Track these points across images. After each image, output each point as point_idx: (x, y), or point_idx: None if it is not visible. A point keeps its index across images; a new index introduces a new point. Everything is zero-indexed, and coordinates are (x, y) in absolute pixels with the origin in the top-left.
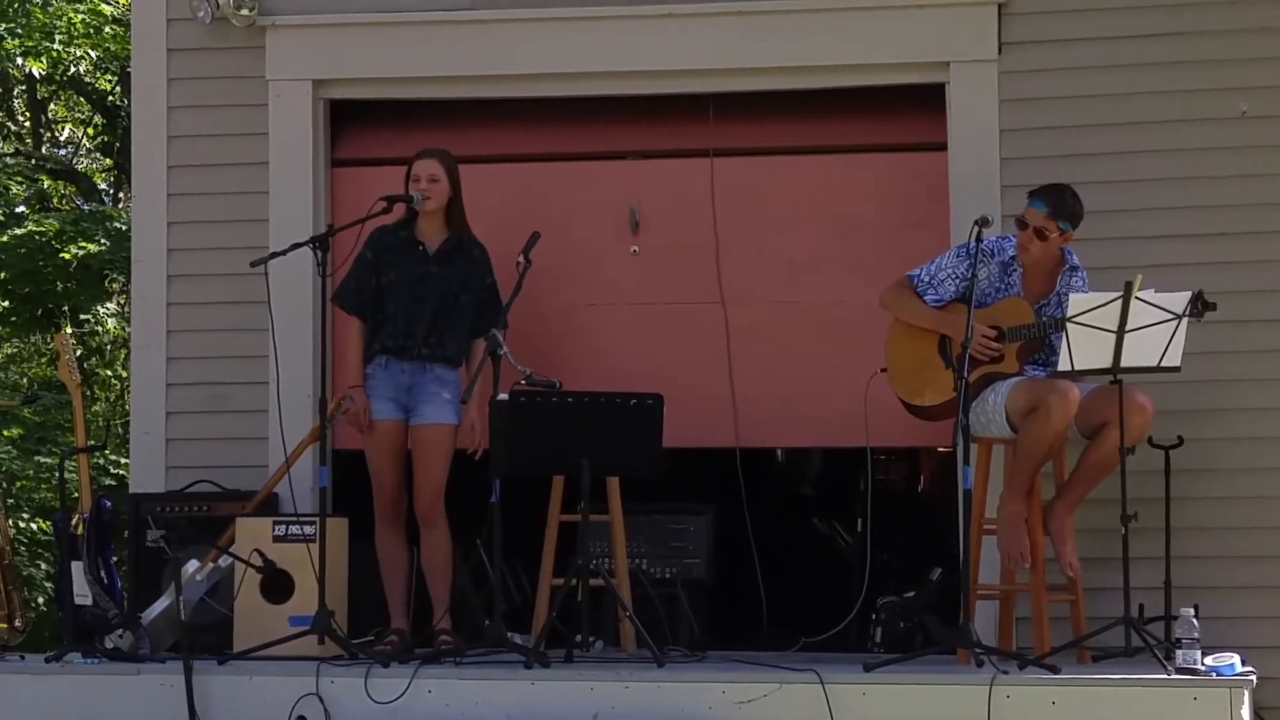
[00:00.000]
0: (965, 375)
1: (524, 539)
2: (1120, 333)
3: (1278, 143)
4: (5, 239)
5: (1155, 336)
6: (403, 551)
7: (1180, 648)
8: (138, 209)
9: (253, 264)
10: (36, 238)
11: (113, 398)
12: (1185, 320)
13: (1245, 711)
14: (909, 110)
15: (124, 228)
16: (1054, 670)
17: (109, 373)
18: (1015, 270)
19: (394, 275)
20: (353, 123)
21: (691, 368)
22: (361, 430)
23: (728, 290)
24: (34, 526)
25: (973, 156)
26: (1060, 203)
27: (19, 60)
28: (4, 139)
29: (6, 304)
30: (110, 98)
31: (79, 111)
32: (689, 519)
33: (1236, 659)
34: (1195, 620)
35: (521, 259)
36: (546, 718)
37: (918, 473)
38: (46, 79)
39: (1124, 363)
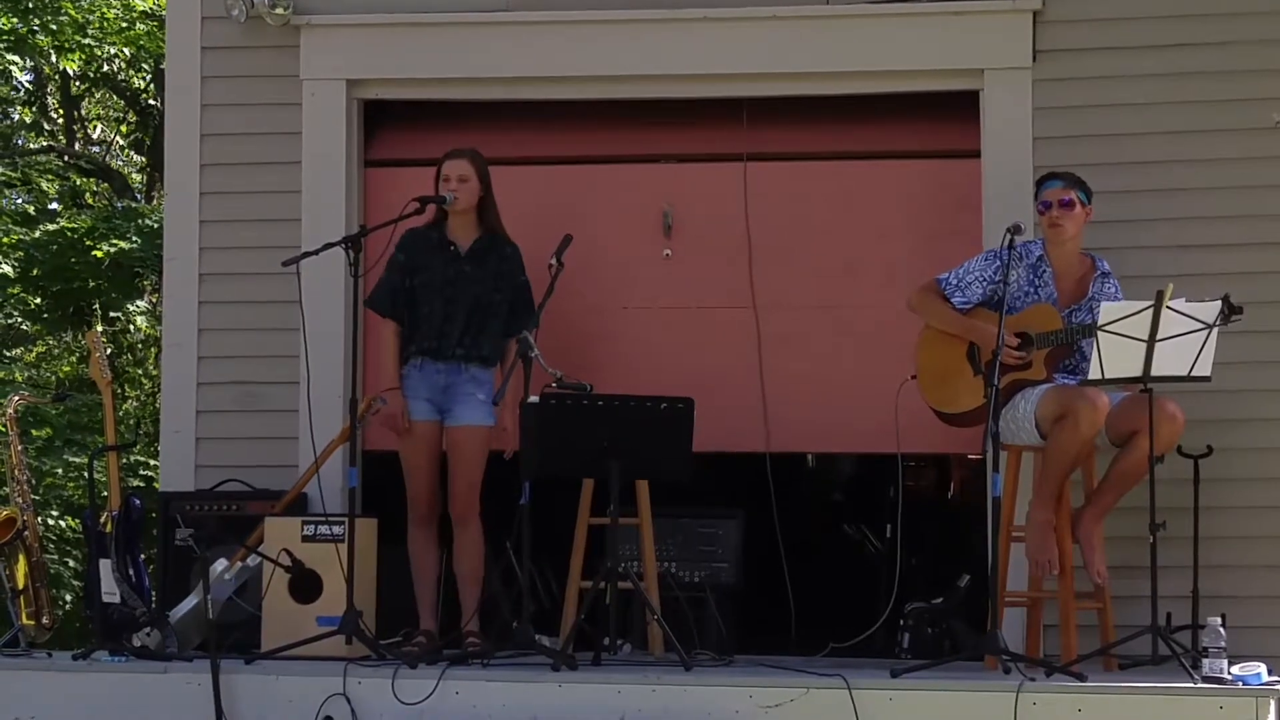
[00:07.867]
0: (996, 383)
1: (553, 541)
2: (1151, 342)
3: None
4: (37, 235)
5: (1186, 346)
6: (434, 553)
7: (1207, 656)
8: (170, 207)
9: (284, 263)
10: (68, 234)
11: (143, 397)
12: (1216, 330)
13: None
14: (943, 117)
15: (156, 225)
16: (1080, 678)
17: (139, 371)
18: (1045, 271)
19: (426, 276)
20: (387, 123)
21: (722, 372)
22: (398, 432)
23: (759, 295)
24: (63, 524)
25: (1006, 164)
26: (1071, 177)
27: (52, 57)
28: (37, 136)
29: (38, 301)
30: (143, 95)
31: (112, 109)
32: (718, 523)
33: (1263, 668)
34: (1222, 629)
35: (554, 261)
36: None
37: (947, 480)
38: (80, 76)
39: (1154, 372)
